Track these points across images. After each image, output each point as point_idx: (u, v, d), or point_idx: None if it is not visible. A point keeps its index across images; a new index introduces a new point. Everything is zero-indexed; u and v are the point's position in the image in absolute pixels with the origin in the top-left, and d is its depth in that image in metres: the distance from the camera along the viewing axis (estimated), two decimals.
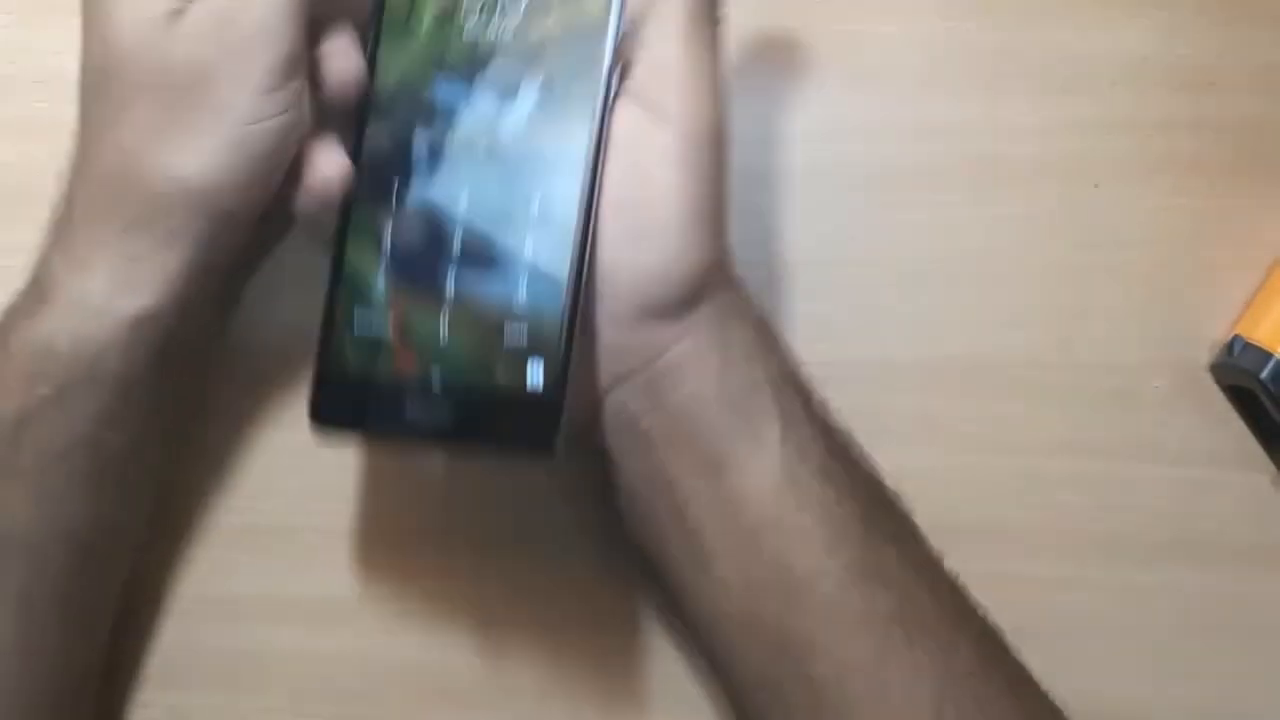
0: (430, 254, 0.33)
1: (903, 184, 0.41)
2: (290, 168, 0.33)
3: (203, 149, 0.31)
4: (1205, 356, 0.41)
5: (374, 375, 0.33)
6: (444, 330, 0.32)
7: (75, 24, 0.32)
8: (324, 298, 0.33)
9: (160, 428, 0.36)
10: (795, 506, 0.32)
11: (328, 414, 0.34)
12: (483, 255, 0.32)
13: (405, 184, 0.33)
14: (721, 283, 0.33)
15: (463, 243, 0.33)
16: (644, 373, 0.33)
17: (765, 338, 0.34)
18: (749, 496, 0.32)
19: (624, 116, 0.32)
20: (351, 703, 0.40)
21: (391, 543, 0.41)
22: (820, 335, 0.40)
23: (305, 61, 0.32)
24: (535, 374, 0.32)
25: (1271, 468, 0.40)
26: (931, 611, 0.33)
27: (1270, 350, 0.38)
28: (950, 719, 0.31)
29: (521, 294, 0.32)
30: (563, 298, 0.32)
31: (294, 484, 0.41)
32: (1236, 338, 0.39)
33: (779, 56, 0.41)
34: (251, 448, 0.41)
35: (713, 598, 0.34)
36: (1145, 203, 0.41)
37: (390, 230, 0.33)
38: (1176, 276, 0.41)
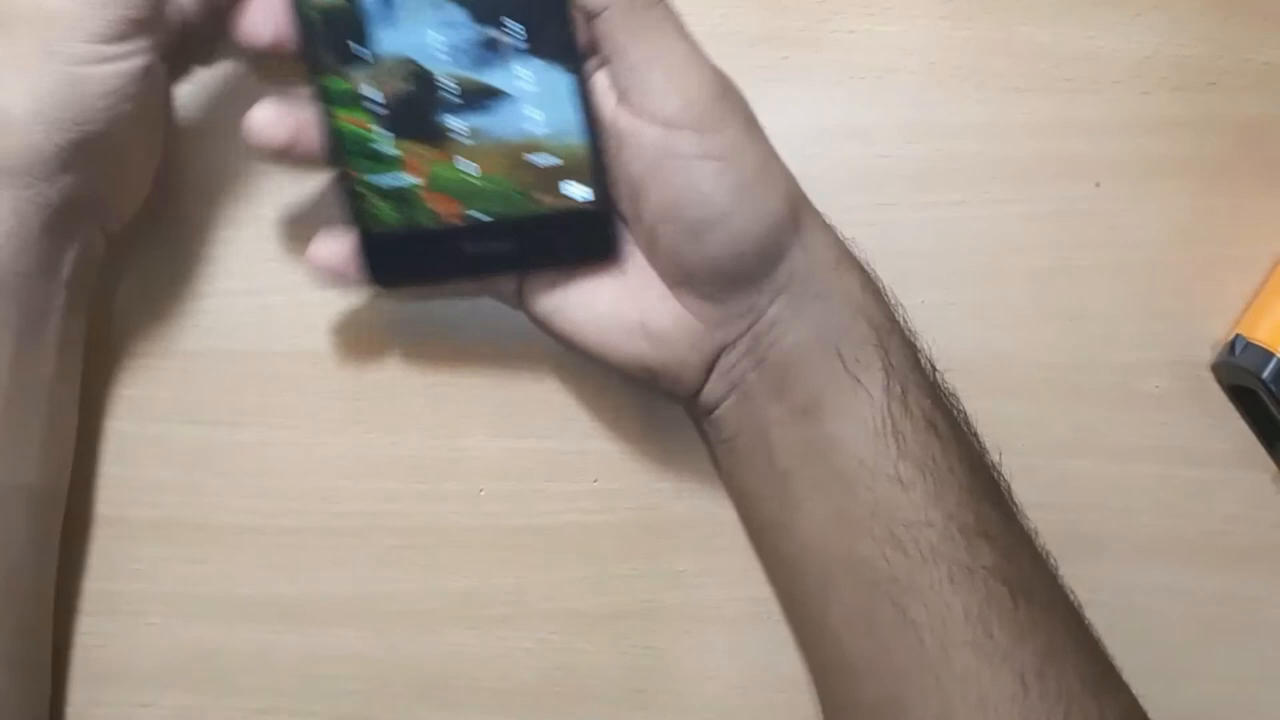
0: (422, 103, 0.32)
1: (903, 184, 0.41)
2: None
3: (25, 78, 0.32)
4: (1206, 356, 0.41)
5: (418, 226, 0.33)
6: (471, 171, 0.33)
7: None
8: (332, 165, 0.33)
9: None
10: (897, 454, 0.33)
11: (384, 272, 0.34)
12: (477, 93, 0.32)
13: (363, 40, 0.32)
14: (798, 233, 0.34)
15: (451, 85, 0.32)
16: (746, 336, 0.34)
17: (868, 285, 0.35)
18: (846, 440, 0.33)
19: (625, 125, 0.32)
20: (351, 703, 0.40)
21: (390, 543, 0.41)
22: None
23: (159, 24, 0.33)
24: (578, 190, 0.33)
25: (1272, 467, 0.40)
26: (1034, 574, 0.33)
27: (1271, 350, 0.38)
28: (1052, 678, 0.31)
29: (534, 120, 0.32)
30: (576, 111, 0.32)
31: (293, 485, 0.41)
32: (1238, 337, 0.39)
33: (778, 56, 0.41)
34: (251, 449, 0.41)
35: (805, 536, 0.34)
36: (1145, 203, 0.41)
37: (371, 89, 0.33)
38: (1177, 276, 0.41)
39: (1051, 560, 0.35)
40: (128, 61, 0.32)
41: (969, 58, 0.41)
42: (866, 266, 0.35)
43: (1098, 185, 0.41)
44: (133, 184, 0.37)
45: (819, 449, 0.33)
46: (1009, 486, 0.36)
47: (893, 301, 0.36)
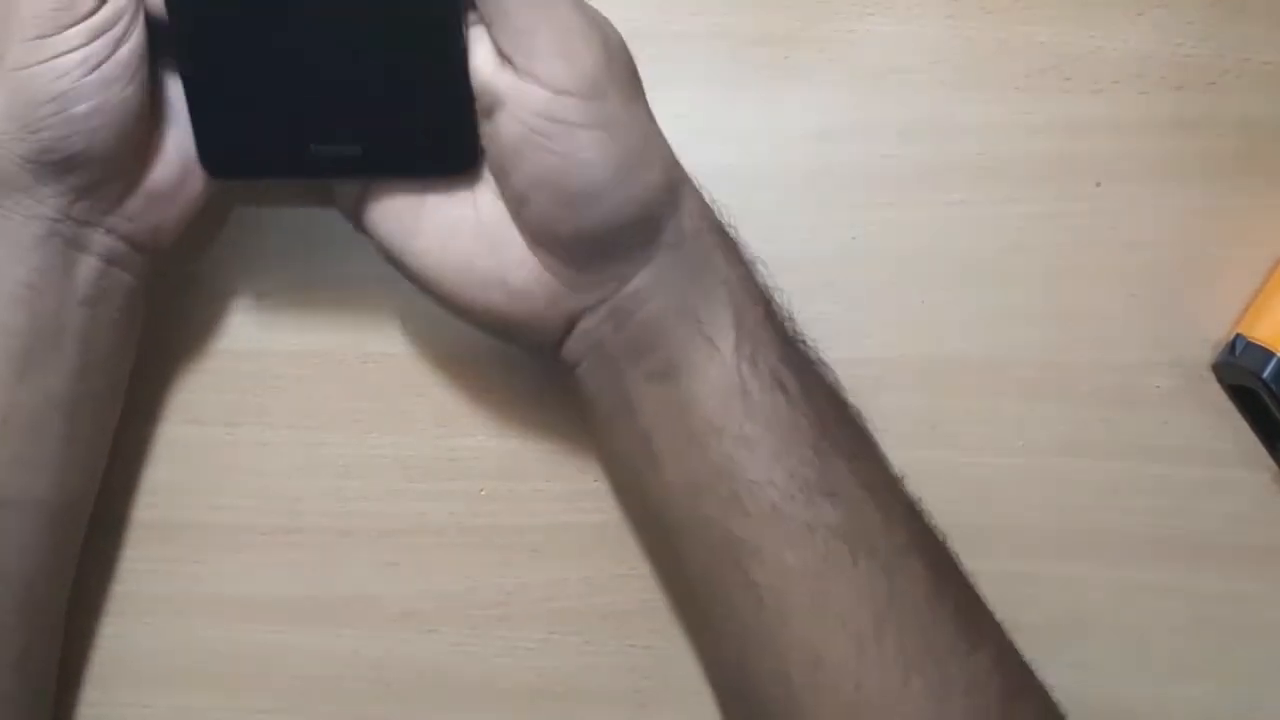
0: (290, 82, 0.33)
1: (903, 184, 0.41)
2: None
3: None
4: (1206, 356, 0.41)
5: (265, 125, 0.34)
6: (329, 105, 0.33)
7: None
8: (180, 70, 0.33)
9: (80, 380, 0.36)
10: (743, 414, 0.32)
11: (223, 164, 0.34)
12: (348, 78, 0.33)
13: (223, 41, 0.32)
14: (673, 203, 0.33)
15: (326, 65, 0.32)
16: (610, 301, 0.33)
17: (724, 243, 0.34)
18: (698, 401, 0.33)
19: (506, 87, 0.31)
20: (350, 703, 0.40)
21: (390, 543, 0.41)
22: (820, 335, 0.40)
23: (97, 10, 0.32)
24: (439, 114, 0.33)
25: (1273, 467, 0.40)
26: (881, 531, 0.33)
27: (1272, 349, 0.38)
28: (890, 640, 0.31)
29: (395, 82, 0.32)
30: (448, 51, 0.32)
31: (293, 485, 0.41)
32: (1238, 337, 0.39)
33: (778, 56, 0.42)
34: (251, 449, 0.41)
35: (661, 498, 0.34)
36: (1145, 202, 0.41)
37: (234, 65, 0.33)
38: (1177, 276, 0.41)
39: (919, 510, 0.34)
40: (65, 58, 0.31)
41: (969, 58, 0.41)
42: (728, 228, 0.35)
43: (1098, 185, 0.41)
44: (141, 193, 0.35)
45: (674, 411, 0.33)
46: (868, 429, 0.35)
47: (749, 257, 0.35)
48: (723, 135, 0.41)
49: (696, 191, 0.34)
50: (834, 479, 0.33)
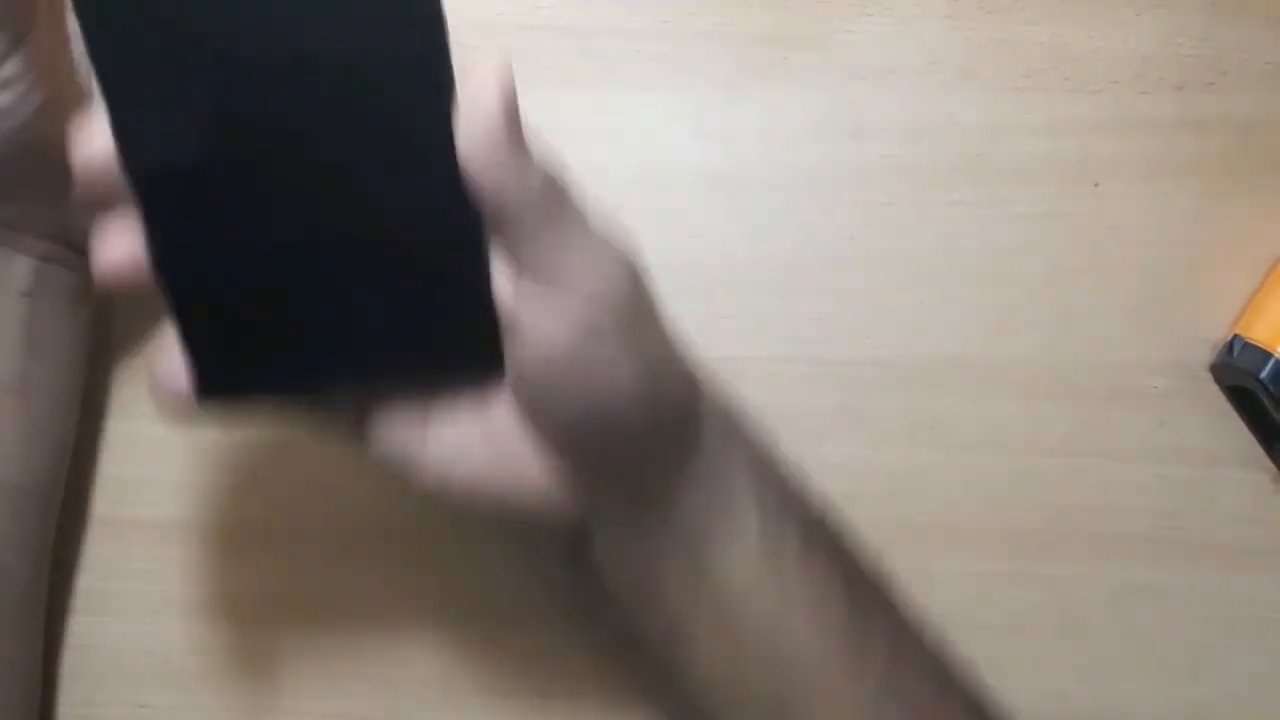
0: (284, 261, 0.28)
1: (903, 184, 0.41)
2: None
3: None
4: (1205, 356, 0.41)
5: (258, 334, 0.28)
6: (335, 306, 0.28)
7: None
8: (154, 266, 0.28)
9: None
10: (775, 589, 0.33)
11: (220, 387, 0.28)
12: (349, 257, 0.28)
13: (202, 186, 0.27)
14: (696, 398, 0.33)
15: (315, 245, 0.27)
16: (628, 504, 0.33)
17: (736, 424, 0.34)
18: (729, 583, 0.33)
19: (531, 300, 0.29)
20: (350, 702, 0.40)
21: (390, 543, 0.41)
22: (820, 335, 0.40)
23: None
24: (458, 310, 0.29)
25: (1271, 467, 0.40)
26: (920, 684, 0.33)
27: (1269, 350, 0.38)
28: None
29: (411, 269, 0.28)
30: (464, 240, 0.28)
31: (293, 485, 0.41)
32: (1236, 337, 0.39)
33: (778, 56, 0.42)
34: (250, 449, 0.41)
35: (700, 676, 0.34)
36: (1145, 203, 0.41)
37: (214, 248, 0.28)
38: (1176, 276, 0.41)
39: (944, 651, 0.34)
40: None
41: (969, 58, 0.41)
42: (738, 407, 0.34)
43: (1097, 185, 0.41)
44: (68, 205, 0.33)
45: (704, 593, 0.33)
46: (890, 583, 0.34)
47: (765, 439, 0.34)
48: (723, 135, 0.41)
49: (707, 378, 0.33)
50: (870, 642, 0.33)
